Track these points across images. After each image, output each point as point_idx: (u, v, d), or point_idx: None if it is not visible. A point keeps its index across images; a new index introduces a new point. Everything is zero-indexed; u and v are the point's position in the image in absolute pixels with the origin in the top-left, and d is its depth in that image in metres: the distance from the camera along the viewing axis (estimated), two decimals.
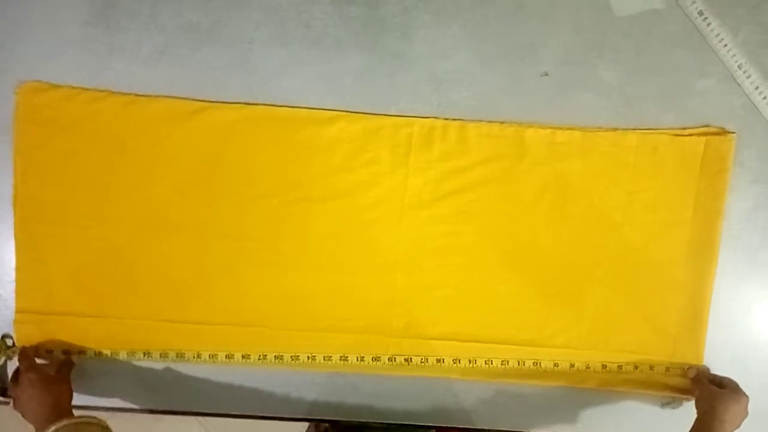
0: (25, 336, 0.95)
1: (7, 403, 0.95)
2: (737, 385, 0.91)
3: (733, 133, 0.95)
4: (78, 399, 0.96)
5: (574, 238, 0.96)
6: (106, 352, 0.95)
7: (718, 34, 0.93)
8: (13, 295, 0.94)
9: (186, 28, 0.92)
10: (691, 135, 0.95)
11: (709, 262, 0.97)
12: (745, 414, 0.88)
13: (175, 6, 0.92)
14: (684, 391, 0.97)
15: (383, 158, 0.94)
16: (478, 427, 1.00)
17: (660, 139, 0.95)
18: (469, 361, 0.97)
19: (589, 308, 0.97)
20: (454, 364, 0.97)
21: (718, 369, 0.97)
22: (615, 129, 0.95)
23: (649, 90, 0.95)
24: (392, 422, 1.00)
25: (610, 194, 0.96)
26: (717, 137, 0.95)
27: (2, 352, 0.94)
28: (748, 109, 0.95)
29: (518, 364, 0.97)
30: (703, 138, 0.95)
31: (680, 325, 0.97)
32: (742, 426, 0.87)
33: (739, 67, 0.94)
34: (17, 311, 0.95)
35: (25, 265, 0.94)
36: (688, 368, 0.97)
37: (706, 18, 0.93)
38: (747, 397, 0.89)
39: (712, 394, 0.90)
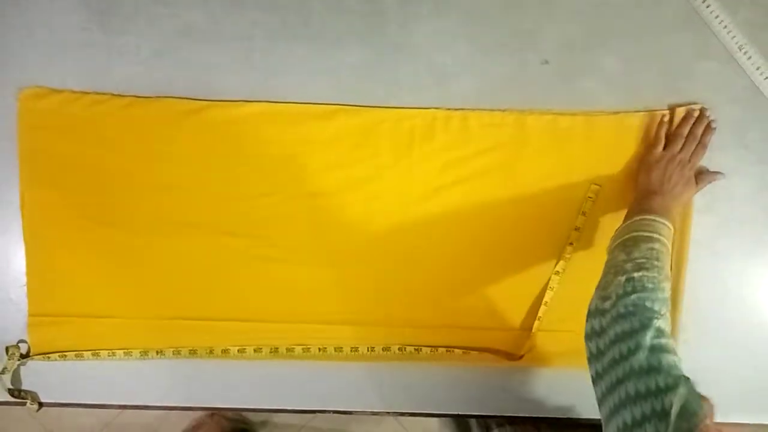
0: (39, 339, 0.96)
1: (22, 404, 0.97)
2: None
3: (697, 104, 0.94)
4: (92, 398, 0.99)
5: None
6: (119, 352, 0.96)
7: (717, 16, 0.93)
8: (26, 299, 0.96)
9: (184, 29, 0.92)
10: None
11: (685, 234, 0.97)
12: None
13: (172, 8, 0.92)
14: None
15: (386, 151, 0.94)
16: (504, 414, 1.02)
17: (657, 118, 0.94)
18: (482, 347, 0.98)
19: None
20: (464, 354, 0.98)
21: (727, 349, 0.99)
22: (617, 113, 0.95)
23: (650, 74, 0.95)
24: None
25: (613, 177, 0.96)
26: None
27: (16, 358, 0.95)
28: (750, 90, 0.95)
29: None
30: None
31: None
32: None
33: (740, 48, 0.94)
34: (30, 314, 0.96)
35: (35, 269, 0.95)
36: None
37: (705, 0, 0.93)
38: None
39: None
